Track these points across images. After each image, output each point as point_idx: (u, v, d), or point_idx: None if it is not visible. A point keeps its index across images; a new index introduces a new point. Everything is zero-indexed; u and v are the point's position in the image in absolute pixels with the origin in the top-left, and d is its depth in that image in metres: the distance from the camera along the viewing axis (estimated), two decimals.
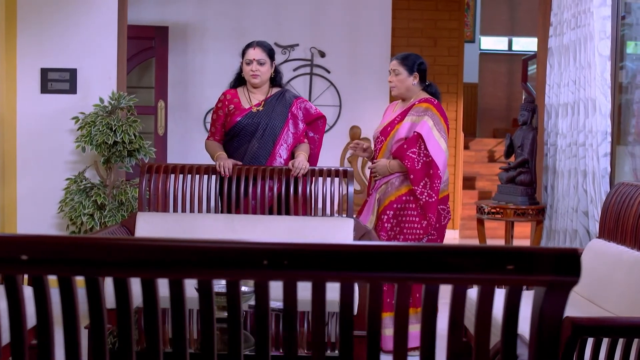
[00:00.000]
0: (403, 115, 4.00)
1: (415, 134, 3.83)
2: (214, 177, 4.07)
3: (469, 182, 8.89)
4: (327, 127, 7.12)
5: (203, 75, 7.20)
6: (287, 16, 7.21)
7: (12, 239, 1.17)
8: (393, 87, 4.04)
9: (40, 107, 4.99)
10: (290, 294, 1.26)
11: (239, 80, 4.15)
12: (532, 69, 9.66)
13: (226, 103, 4.07)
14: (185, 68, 7.21)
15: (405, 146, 3.84)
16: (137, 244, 1.22)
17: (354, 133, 7.03)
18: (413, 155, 3.81)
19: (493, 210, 4.97)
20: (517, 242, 6.49)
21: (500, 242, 7.06)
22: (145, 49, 6.92)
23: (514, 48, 11.05)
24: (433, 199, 3.79)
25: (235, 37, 7.16)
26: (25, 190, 5.01)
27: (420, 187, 3.81)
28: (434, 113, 3.87)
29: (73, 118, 4.81)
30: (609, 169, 4.40)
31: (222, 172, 3.94)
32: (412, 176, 3.81)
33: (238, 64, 7.03)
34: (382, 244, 1.19)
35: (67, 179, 4.81)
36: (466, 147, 9.28)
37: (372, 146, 4.22)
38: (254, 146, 4.02)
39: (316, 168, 4.09)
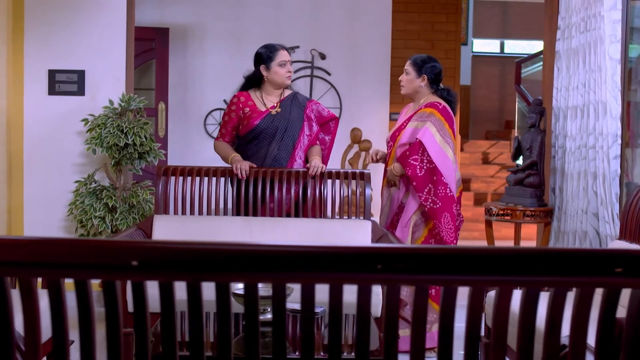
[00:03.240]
0: (409, 119, 4.02)
1: (417, 141, 3.84)
2: (229, 179, 4.07)
3: (464, 184, 8.94)
4: None
5: (203, 77, 7.18)
6: (287, 18, 7.20)
7: (123, 245, 1.16)
8: (401, 86, 4.09)
9: (47, 108, 4.94)
10: (392, 297, 1.26)
11: (251, 83, 4.13)
12: (525, 71, 9.75)
13: (240, 106, 4.04)
14: (185, 70, 7.18)
15: (407, 153, 3.85)
16: (240, 249, 1.21)
17: (355, 135, 7.04)
18: (415, 163, 3.81)
19: (502, 212, 5.00)
20: (522, 244, 6.52)
21: (508, 244, 7.10)
22: (146, 51, 6.88)
23: (506, 50, 11.14)
24: (437, 206, 3.79)
25: (235, 39, 7.15)
26: (32, 193, 4.96)
27: (425, 193, 3.81)
28: (437, 118, 3.87)
29: (82, 120, 4.77)
30: (619, 171, 4.44)
31: (240, 175, 3.93)
32: (414, 183, 3.82)
33: (238, 66, 7.01)
34: (488, 247, 1.20)
35: (77, 182, 4.77)
36: (460, 149, 9.34)
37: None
38: (274, 149, 4.02)
39: (333, 170, 4.10)
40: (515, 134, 9.93)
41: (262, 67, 4.01)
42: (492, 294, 3.30)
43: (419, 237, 3.88)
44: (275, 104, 4.06)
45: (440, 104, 3.94)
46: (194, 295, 1.25)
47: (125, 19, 4.97)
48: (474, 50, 11.11)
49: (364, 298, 1.25)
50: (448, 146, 3.85)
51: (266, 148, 4.02)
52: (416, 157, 3.81)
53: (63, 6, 4.92)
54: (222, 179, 4.09)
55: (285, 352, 1.28)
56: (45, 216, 4.95)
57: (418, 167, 3.80)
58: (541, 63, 10.08)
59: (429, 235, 3.86)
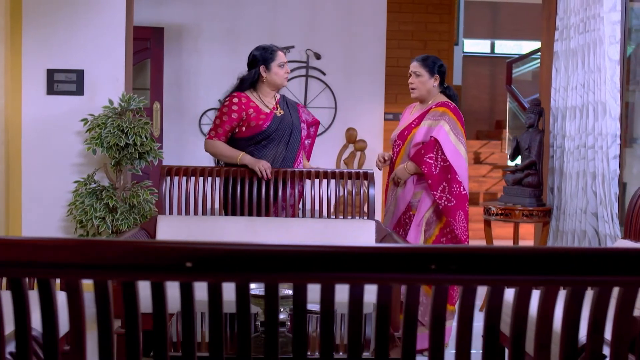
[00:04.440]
0: (420, 118, 4.02)
1: (432, 139, 3.85)
2: (233, 179, 4.06)
3: None
4: (322, 129, 7.16)
5: (198, 76, 7.16)
6: (283, 18, 7.20)
7: (178, 246, 1.16)
8: (413, 88, 4.05)
9: (46, 108, 4.91)
10: (441, 298, 1.27)
11: (246, 84, 4.09)
12: (516, 71, 9.81)
13: (243, 107, 4.00)
14: (180, 69, 7.15)
15: (422, 151, 3.86)
16: (291, 250, 1.22)
17: (350, 135, 7.05)
18: (430, 161, 3.82)
19: (501, 212, 5.03)
20: (520, 243, 6.56)
21: (506, 243, 7.15)
22: (141, 50, 6.85)
23: (496, 51, 11.20)
24: (452, 203, 3.80)
25: (230, 39, 7.14)
26: (30, 193, 4.92)
27: (439, 191, 3.82)
28: (450, 117, 3.89)
29: (82, 120, 4.74)
30: (618, 171, 4.48)
31: (265, 176, 3.92)
32: (429, 181, 3.82)
33: (233, 66, 7.00)
34: (542, 248, 1.21)
35: (76, 182, 4.74)
36: None
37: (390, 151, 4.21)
38: (282, 150, 4.02)
39: (337, 170, 4.11)
40: (507, 134, 10.00)
41: (262, 68, 3.99)
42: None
43: (430, 236, 3.89)
44: (276, 106, 4.07)
45: (451, 103, 3.96)
46: (242, 296, 1.25)
47: (125, 18, 4.95)
48: (465, 50, 11.17)
49: (412, 299, 1.25)
50: (461, 145, 3.87)
51: (275, 149, 4.01)
52: (431, 155, 3.82)
53: (62, 5, 4.89)
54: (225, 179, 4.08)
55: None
56: (44, 216, 4.91)
57: (433, 165, 3.81)
58: (531, 63, 10.16)
59: (440, 234, 3.87)
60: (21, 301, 1.26)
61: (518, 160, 5.28)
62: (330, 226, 3.96)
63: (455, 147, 3.84)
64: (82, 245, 1.19)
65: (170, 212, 4.02)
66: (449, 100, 4.02)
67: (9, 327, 1.31)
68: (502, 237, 7.46)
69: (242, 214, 4.02)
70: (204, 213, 4.05)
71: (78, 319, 1.27)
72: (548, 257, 1.17)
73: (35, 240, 1.21)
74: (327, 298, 1.25)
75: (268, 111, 4.02)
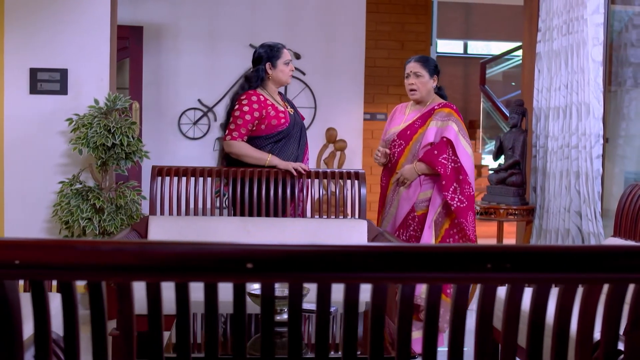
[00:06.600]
0: (423, 119, 3.97)
1: (445, 139, 3.86)
2: (232, 179, 4.05)
3: None
4: None
5: (177, 76, 7.10)
6: (262, 17, 7.19)
7: (240, 247, 1.16)
8: (414, 89, 4.00)
9: (29, 108, 4.83)
10: (489, 297, 1.29)
11: (255, 83, 4.07)
12: (490, 72, 9.93)
13: (262, 105, 3.98)
14: (159, 69, 7.09)
15: (435, 152, 3.85)
16: (342, 250, 1.23)
17: (330, 135, 7.07)
18: (444, 162, 3.83)
19: (485, 211, 5.09)
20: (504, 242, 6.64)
21: (490, 242, 7.23)
22: (119, 49, 6.76)
23: (469, 51, 11.32)
24: (464, 204, 3.81)
25: (209, 38, 7.10)
26: (12, 194, 4.84)
27: (450, 192, 3.82)
28: (456, 118, 3.91)
29: (67, 120, 4.68)
30: (601, 170, 4.57)
31: (303, 172, 3.97)
32: (443, 182, 3.83)
33: (212, 65, 6.97)
34: (597, 246, 1.24)
35: (61, 182, 4.68)
36: None
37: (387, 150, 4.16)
38: (295, 149, 4.04)
39: (328, 170, 4.12)
40: (481, 134, 10.11)
41: (267, 65, 3.99)
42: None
43: (436, 237, 3.91)
44: (284, 104, 4.09)
45: (453, 105, 3.99)
46: (295, 296, 1.25)
47: (110, 17, 4.90)
48: (438, 50, 11.26)
49: (462, 300, 1.27)
50: (468, 145, 3.91)
51: (291, 147, 4.03)
52: (445, 155, 3.82)
53: (45, 3, 4.82)
54: (217, 179, 4.07)
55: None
56: (27, 217, 4.84)
57: (447, 165, 3.83)
58: (503, 64, 10.29)
59: (445, 235, 3.89)
60: (70, 305, 1.25)
61: (501, 160, 5.35)
62: (322, 226, 3.97)
63: (465, 148, 3.87)
64: (137, 248, 1.19)
65: (162, 213, 4.00)
66: (449, 102, 4.04)
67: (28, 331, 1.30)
68: (481, 235, 7.53)
69: (258, 215, 3.98)
70: (195, 213, 4.03)
71: (129, 321, 1.26)
72: (604, 255, 1.20)
73: (88, 242, 1.20)
74: (378, 298, 1.27)
75: (283, 109, 4.02)
